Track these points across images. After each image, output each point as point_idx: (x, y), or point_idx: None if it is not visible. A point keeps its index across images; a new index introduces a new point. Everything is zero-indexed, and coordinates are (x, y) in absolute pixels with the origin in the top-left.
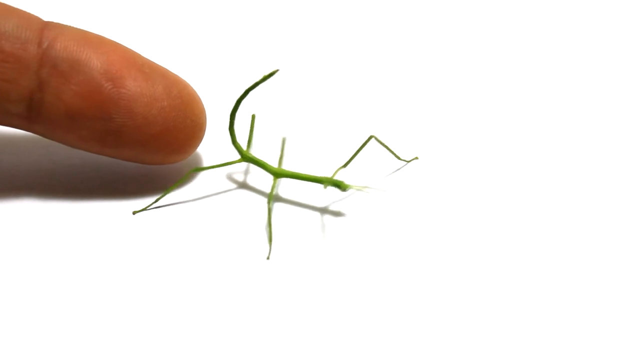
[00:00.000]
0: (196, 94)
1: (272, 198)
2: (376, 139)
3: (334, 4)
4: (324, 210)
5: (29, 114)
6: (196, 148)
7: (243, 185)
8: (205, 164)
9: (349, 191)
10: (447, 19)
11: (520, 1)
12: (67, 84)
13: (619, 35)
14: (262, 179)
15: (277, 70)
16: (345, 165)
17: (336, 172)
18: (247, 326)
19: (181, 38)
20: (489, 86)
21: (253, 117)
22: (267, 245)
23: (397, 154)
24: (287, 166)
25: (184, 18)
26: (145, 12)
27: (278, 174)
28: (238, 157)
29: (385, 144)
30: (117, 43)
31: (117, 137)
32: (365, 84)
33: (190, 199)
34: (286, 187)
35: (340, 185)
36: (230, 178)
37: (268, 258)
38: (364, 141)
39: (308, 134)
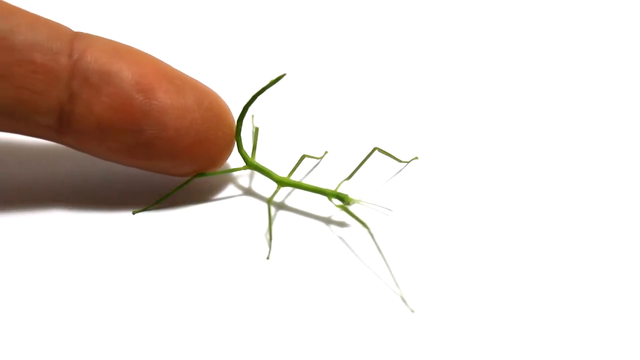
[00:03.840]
0: (227, 105)
1: (272, 202)
2: (380, 149)
3: (334, 12)
4: (327, 220)
5: (59, 125)
6: (227, 159)
7: (247, 192)
8: None
9: (354, 205)
10: (445, 22)
11: (518, 2)
12: (98, 95)
13: (619, 36)
14: (266, 186)
15: (284, 75)
16: (349, 178)
17: (340, 184)
18: (245, 325)
19: (184, 41)
20: (487, 89)
21: (257, 129)
22: (267, 246)
23: (400, 158)
24: (295, 176)
25: (189, 21)
26: (153, 15)
27: (282, 182)
28: (243, 163)
29: (388, 152)
30: (147, 54)
31: (147, 149)
32: (367, 89)
33: (193, 202)
34: (291, 196)
35: (344, 199)
36: (235, 184)
37: (268, 258)
38: (366, 151)
39: (312, 140)
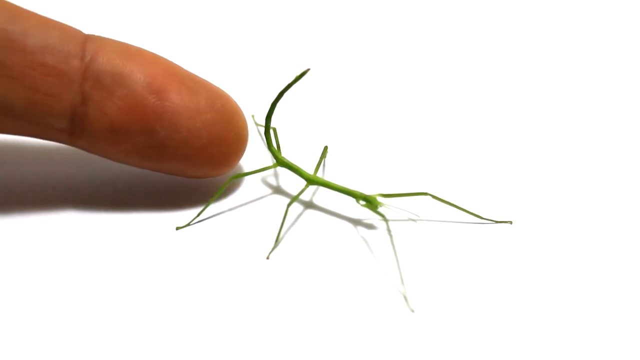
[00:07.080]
0: (238, 106)
1: (295, 201)
2: (433, 196)
3: (345, 10)
4: (356, 222)
5: (72, 128)
6: (239, 160)
7: (277, 191)
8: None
9: (381, 209)
10: (471, 21)
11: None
12: (111, 97)
13: (619, 37)
14: (294, 185)
15: (308, 70)
16: (385, 196)
17: (375, 195)
18: (244, 323)
19: (194, 43)
20: (504, 89)
21: (274, 129)
22: (274, 245)
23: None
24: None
25: (193, 21)
26: (159, 16)
27: (312, 180)
28: (266, 162)
29: (444, 199)
30: (159, 56)
31: (161, 151)
32: (373, 87)
33: (225, 203)
34: (320, 195)
35: (372, 202)
36: (265, 182)
37: (268, 258)
38: (417, 190)
39: (315, 139)
